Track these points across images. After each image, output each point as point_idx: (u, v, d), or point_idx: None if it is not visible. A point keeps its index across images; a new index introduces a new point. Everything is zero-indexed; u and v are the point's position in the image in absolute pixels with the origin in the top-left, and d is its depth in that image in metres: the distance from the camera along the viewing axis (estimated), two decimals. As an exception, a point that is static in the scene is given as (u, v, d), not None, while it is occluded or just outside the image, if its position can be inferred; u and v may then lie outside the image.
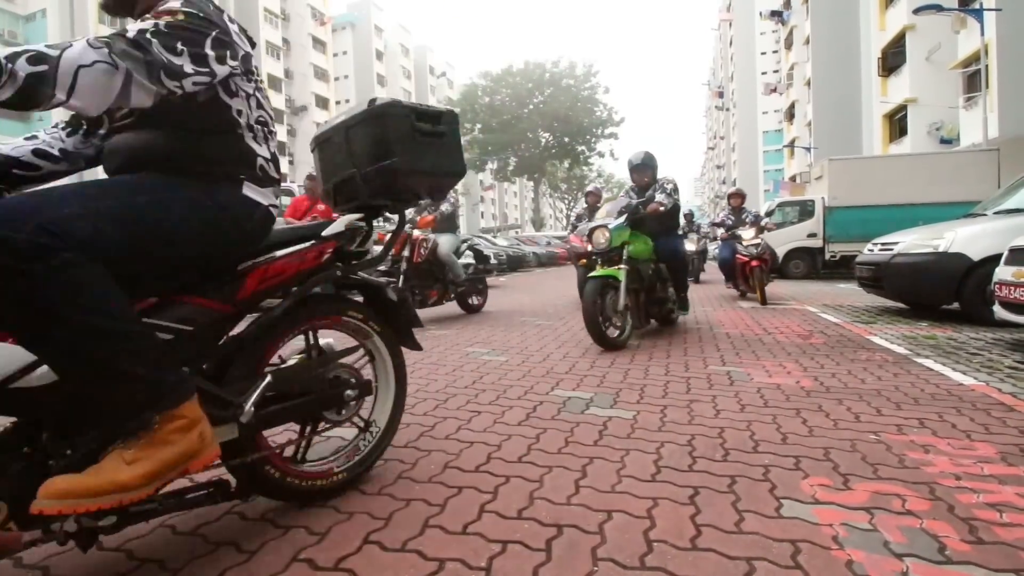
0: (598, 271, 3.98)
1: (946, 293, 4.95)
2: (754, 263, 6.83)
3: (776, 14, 39.39)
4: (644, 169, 4.77)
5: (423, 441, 2.07)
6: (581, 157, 35.23)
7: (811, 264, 12.82)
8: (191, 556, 1.31)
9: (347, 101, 55.31)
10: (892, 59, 21.78)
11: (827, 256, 12.61)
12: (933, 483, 1.63)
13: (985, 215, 5.28)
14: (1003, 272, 3.74)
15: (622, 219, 4.21)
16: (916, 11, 14.36)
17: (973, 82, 16.90)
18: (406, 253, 5.40)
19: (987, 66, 14.55)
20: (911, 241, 5.35)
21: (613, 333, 3.98)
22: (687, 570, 1.22)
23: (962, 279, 4.77)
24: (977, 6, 14.72)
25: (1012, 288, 3.61)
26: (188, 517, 1.50)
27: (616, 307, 3.96)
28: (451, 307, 6.47)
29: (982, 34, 13.86)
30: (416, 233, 5.55)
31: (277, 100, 45.95)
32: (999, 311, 3.77)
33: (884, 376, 3.00)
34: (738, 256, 7.07)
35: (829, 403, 2.49)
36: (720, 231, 7.61)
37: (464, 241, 6.44)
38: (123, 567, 1.27)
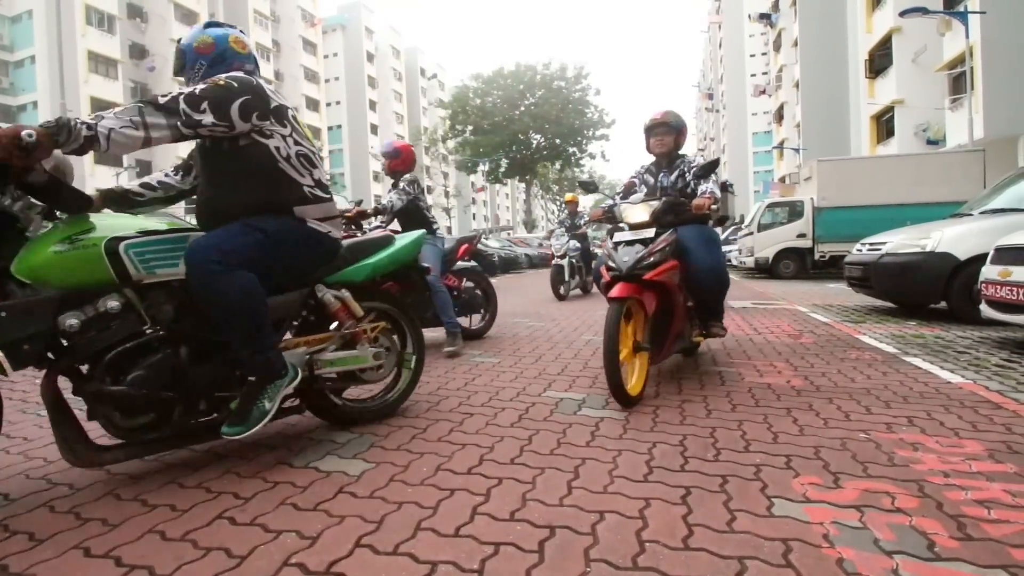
0: None
1: (933, 292, 5.00)
2: (619, 290, 2.50)
3: (764, 16, 39.70)
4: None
5: (415, 444, 2.06)
6: (572, 159, 35.34)
7: (801, 264, 12.94)
8: (180, 561, 1.29)
9: (337, 103, 55.15)
10: (879, 61, 22.02)
11: (816, 256, 12.73)
12: (922, 480, 1.65)
13: (971, 215, 5.34)
14: (989, 271, 3.79)
15: None
16: (902, 14, 14.51)
17: (958, 84, 17.11)
18: None
19: (972, 68, 14.74)
20: (899, 241, 5.40)
21: None
22: (679, 570, 1.22)
23: (949, 278, 4.82)
24: (962, 9, 14.93)
25: (998, 287, 3.66)
26: (177, 522, 1.48)
27: None
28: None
29: (967, 36, 14.04)
30: None
31: (267, 102, 45.64)
32: (985, 310, 3.81)
33: (873, 375, 3.02)
34: (603, 269, 2.82)
35: (819, 402, 2.51)
36: (614, 203, 3.11)
37: None
38: (112, 572, 1.25)
